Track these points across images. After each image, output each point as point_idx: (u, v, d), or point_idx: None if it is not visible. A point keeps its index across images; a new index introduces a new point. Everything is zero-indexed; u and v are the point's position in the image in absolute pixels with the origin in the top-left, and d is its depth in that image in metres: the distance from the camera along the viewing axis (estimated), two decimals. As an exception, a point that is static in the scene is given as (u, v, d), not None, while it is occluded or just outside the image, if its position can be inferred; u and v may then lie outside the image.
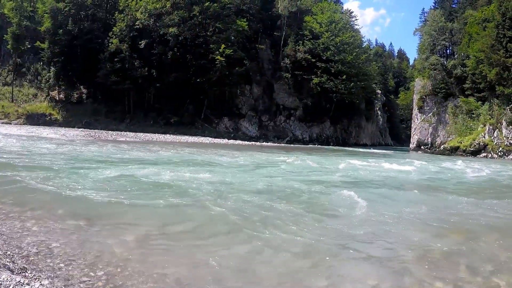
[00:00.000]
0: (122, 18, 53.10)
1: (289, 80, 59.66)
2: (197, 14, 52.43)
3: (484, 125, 43.00)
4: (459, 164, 22.96)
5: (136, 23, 52.23)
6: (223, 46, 50.38)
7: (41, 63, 57.25)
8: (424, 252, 5.41)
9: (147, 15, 52.67)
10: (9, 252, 4.31)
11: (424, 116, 53.89)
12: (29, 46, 55.10)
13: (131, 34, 51.96)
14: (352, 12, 78.44)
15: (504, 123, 40.19)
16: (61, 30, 51.86)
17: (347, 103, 61.14)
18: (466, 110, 47.19)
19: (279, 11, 61.94)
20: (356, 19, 78.58)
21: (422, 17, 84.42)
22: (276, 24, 63.59)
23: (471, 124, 46.02)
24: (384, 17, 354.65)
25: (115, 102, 52.78)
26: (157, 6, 53.29)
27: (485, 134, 42.15)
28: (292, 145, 50.50)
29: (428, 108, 53.71)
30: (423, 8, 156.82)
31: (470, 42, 47.45)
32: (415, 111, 56.73)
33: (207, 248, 5.09)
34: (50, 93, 55.14)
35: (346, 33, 61.34)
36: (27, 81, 56.88)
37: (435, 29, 55.11)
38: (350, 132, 69.38)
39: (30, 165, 11.10)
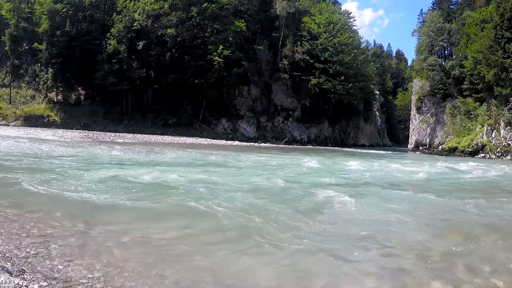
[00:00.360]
0: (120, 19, 53.06)
1: (287, 81, 59.64)
2: (195, 15, 52.42)
3: (482, 126, 43.09)
4: (461, 164, 23.01)
5: (134, 24, 52.20)
6: (221, 47, 50.37)
7: (39, 65, 57.12)
8: (423, 252, 5.41)
9: (145, 16, 52.64)
10: (7, 254, 4.30)
11: (422, 116, 53.99)
12: (26, 47, 55.05)
13: (129, 35, 51.93)
14: (350, 13, 78.68)
15: (502, 124, 40.30)
16: (59, 32, 51.82)
17: (345, 104, 61.15)
18: (464, 110, 47.29)
19: (277, 12, 61.98)
20: (354, 20, 78.71)
21: (420, 18, 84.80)
22: (274, 25, 63.60)
23: (469, 124, 46.11)
24: (383, 17, 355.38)
25: (113, 104, 52.73)
26: (155, 7, 53.27)
27: (483, 135, 42.25)
28: (290, 146, 50.49)
29: (426, 108, 53.82)
30: (421, 9, 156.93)
31: (468, 43, 47.57)
32: (413, 111, 56.85)
33: (206, 250, 5.09)
34: (48, 94, 55.05)
35: (344, 34, 61.36)
36: (25, 82, 56.77)
37: (433, 30, 55.24)
38: (348, 132, 69.42)
39: (28, 167, 11.07)
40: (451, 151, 44.75)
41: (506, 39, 40.47)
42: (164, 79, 50.88)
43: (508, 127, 39.63)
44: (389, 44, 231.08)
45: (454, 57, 53.54)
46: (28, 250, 4.52)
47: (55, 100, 54.59)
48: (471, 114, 46.12)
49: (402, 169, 18.11)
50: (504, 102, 40.86)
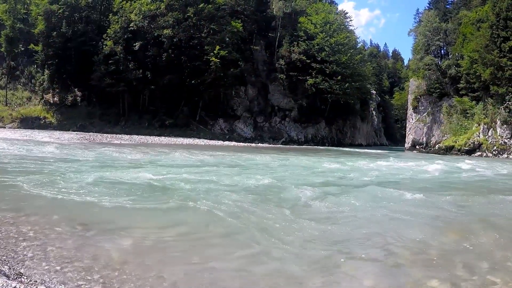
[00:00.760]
0: (116, 20, 52.94)
1: (284, 81, 59.64)
2: (192, 15, 52.34)
3: (479, 125, 43.30)
4: (458, 163, 23.09)
5: (131, 25, 52.04)
6: (217, 47, 50.34)
7: (35, 66, 56.88)
8: (420, 251, 5.43)
9: (141, 16, 52.51)
10: (4, 258, 4.28)
11: (419, 116, 54.12)
12: (22, 48, 54.85)
13: (126, 36, 51.78)
14: (346, 12, 78.62)
15: (498, 122, 40.52)
16: (55, 33, 51.64)
17: (342, 104, 61.26)
18: (460, 109, 47.45)
19: (274, 12, 61.98)
20: (350, 20, 79.10)
21: (417, 17, 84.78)
22: (271, 25, 63.62)
23: (465, 123, 46.29)
24: (379, 17, 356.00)
25: (109, 105, 52.61)
26: (152, 7, 53.20)
27: (479, 133, 42.46)
28: (287, 146, 50.53)
29: (422, 108, 53.95)
30: (418, 9, 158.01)
31: (464, 42, 47.70)
32: (410, 111, 56.96)
33: (204, 251, 5.08)
34: (44, 96, 54.84)
35: (341, 34, 61.44)
36: (21, 84, 56.48)
37: (430, 30, 55.36)
38: (345, 132, 69.49)
39: (24, 170, 11.04)
40: (448, 150, 44.91)
41: (502, 38, 40.69)
42: (161, 80, 50.79)
43: (505, 126, 39.86)
44: (385, 43, 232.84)
45: (450, 56, 53.69)
46: (25, 253, 4.50)
47: (52, 101, 54.40)
48: (468, 113, 46.30)
49: (399, 168, 18.14)
50: (500, 101, 41.07)
